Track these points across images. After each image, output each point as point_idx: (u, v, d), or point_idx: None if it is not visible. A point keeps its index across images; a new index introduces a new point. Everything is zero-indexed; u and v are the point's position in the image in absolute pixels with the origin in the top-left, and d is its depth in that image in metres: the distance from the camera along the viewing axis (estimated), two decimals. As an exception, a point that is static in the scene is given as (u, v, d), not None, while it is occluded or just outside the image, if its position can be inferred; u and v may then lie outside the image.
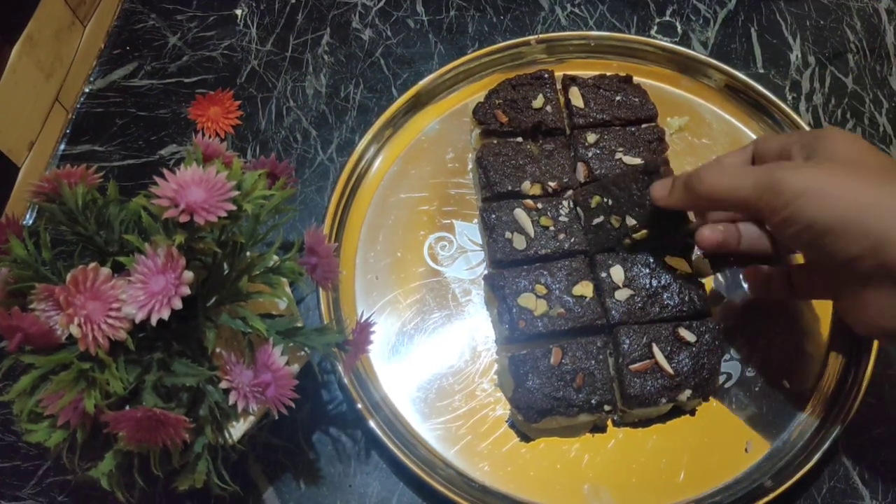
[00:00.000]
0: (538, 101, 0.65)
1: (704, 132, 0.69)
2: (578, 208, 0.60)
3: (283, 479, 0.57)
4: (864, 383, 0.57)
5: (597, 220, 0.59)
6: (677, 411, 0.58)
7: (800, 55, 0.76)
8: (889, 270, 0.43)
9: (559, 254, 0.59)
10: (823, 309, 0.62)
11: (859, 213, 0.42)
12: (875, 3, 0.79)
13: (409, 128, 0.70)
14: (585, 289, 0.57)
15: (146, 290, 0.42)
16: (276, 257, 0.48)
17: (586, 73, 0.69)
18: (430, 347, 0.61)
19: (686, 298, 0.57)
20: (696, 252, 0.59)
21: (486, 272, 0.63)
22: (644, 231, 0.57)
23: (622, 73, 0.68)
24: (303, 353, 0.51)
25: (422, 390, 0.59)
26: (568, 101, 0.66)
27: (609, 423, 0.58)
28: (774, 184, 0.45)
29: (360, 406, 0.57)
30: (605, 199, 0.59)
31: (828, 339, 0.61)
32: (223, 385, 0.46)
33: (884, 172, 0.45)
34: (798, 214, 0.44)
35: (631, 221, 0.57)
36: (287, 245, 0.50)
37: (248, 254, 0.48)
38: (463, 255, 0.65)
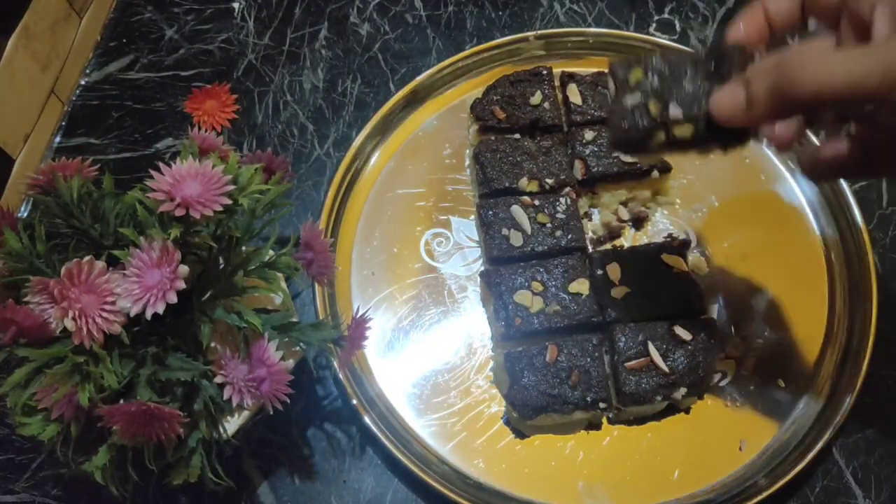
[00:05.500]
0: (536, 98, 0.65)
1: (702, 130, 0.69)
2: (611, 82, 0.47)
3: (277, 474, 0.57)
4: (858, 383, 0.57)
5: (632, 101, 0.44)
6: (672, 409, 0.58)
7: (798, 54, 0.76)
8: None
9: (556, 251, 0.59)
10: (820, 309, 0.62)
11: None
12: (873, 2, 0.79)
13: (407, 123, 0.70)
14: (582, 286, 0.57)
15: (141, 284, 0.41)
16: (271, 252, 0.48)
17: (584, 69, 0.69)
18: (425, 344, 0.61)
19: (682, 297, 0.57)
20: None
21: (482, 269, 0.63)
22: (689, 126, 0.43)
23: (620, 71, 0.68)
24: (298, 348, 0.51)
25: (417, 386, 0.59)
26: (566, 97, 0.66)
27: (604, 420, 0.58)
28: None
29: (354, 402, 0.57)
30: (651, 77, 0.44)
31: (823, 338, 0.61)
32: (218, 380, 0.46)
33: None
34: None
35: (675, 111, 0.43)
36: (283, 240, 0.50)
37: (243, 248, 0.48)
38: (459, 251, 0.65)
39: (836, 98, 0.37)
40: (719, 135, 0.43)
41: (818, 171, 0.49)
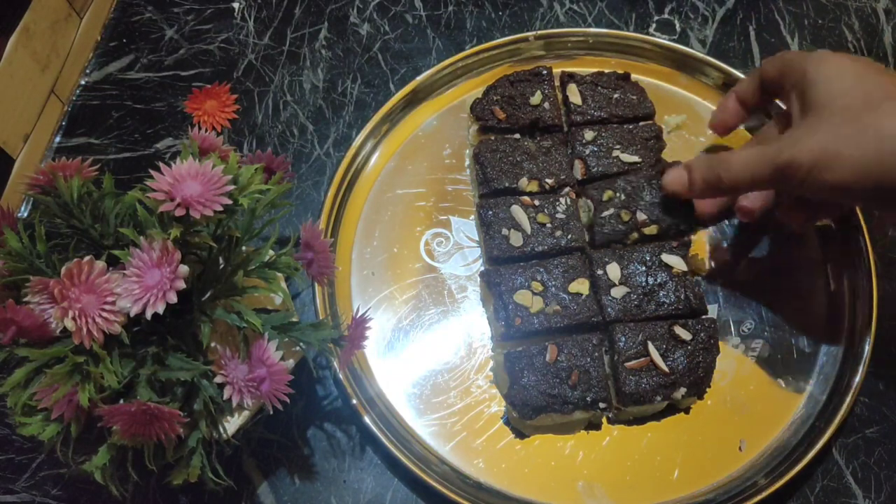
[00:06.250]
0: (536, 98, 0.65)
1: (702, 130, 0.69)
2: (589, 200, 0.61)
3: (277, 473, 0.57)
4: (858, 382, 0.57)
5: (608, 213, 0.60)
6: (672, 409, 0.58)
7: (798, 54, 0.76)
8: None
9: (556, 251, 0.59)
10: (820, 309, 0.62)
11: (868, 169, 0.46)
12: (873, 3, 0.79)
13: (407, 123, 0.70)
14: (582, 286, 0.57)
15: (141, 284, 0.41)
16: (271, 252, 0.48)
17: (584, 69, 0.69)
18: (425, 344, 0.61)
19: (682, 296, 0.57)
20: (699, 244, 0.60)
21: (482, 269, 0.63)
22: (654, 227, 0.59)
23: (620, 71, 0.68)
24: (298, 348, 0.51)
25: (417, 386, 0.59)
26: (566, 97, 0.66)
27: (604, 420, 0.58)
28: (787, 165, 0.48)
29: (354, 402, 0.57)
30: (618, 194, 0.60)
31: (823, 338, 0.61)
32: (218, 380, 0.46)
33: (883, 108, 0.47)
34: (818, 183, 0.47)
35: (641, 217, 0.59)
36: (283, 240, 0.50)
37: (243, 248, 0.48)
38: (459, 251, 0.65)
39: (747, 187, 0.53)
40: (675, 230, 0.59)
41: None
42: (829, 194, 0.49)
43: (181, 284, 0.42)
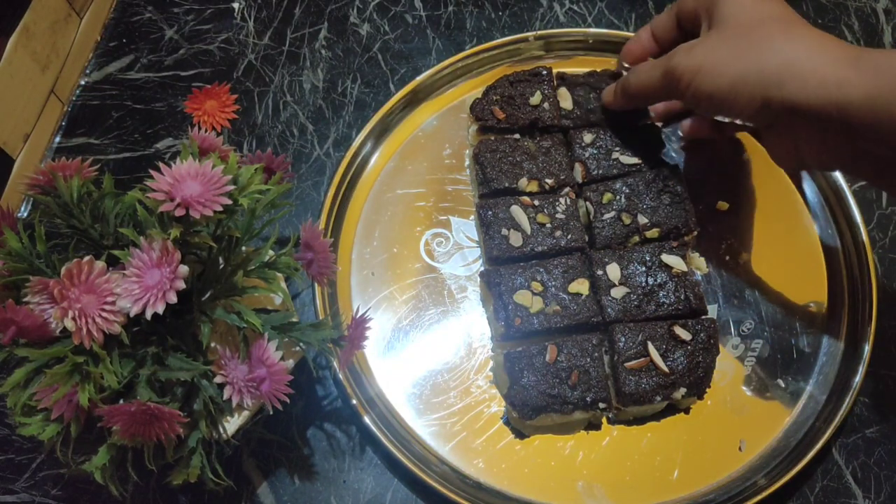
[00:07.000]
0: (536, 98, 0.65)
1: (702, 130, 0.69)
2: (588, 203, 0.61)
3: (277, 473, 0.57)
4: (858, 382, 0.57)
5: (608, 216, 0.60)
6: (672, 409, 0.58)
7: (798, 54, 0.76)
8: (781, 117, 0.49)
9: (556, 251, 0.59)
10: (819, 309, 0.62)
11: (744, 79, 0.48)
12: (873, 3, 0.79)
13: (407, 123, 0.70)
14: (581, 286, 0.57)
15: (141, 284, 0.41)
16: (271, 252, 0.48)
17: (583, 70, 0.69)
18: (425, 344, 0.61)
19: (681, 297, 0.57)
20: (692, 253, 0.60)
21: (482, 269, 0.63)
22: (656, 230, 0.59)
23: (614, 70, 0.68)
24: (298, 348, 0.51)
25: (417, 386, 0.59)
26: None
27: (604, 420, 0.58)
28: (673, 70, 0.52)
29: (354, 402, 0.57)
30: (618, 197, 0.61)
31: (823, 338, 0.61)
32: (218, 380, 0.46)
33: (772, 25, 0.49)
34: (699, 90, 0.51)
35: (643, 220, 0.60)
36: (283, 240, 0.50)
37: (243, 248, 0.48)
38: (459, 251, 0.65)
39: (648, 92, 0.57)
40: (676, 232, 0.60)
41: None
42: (708, 104, 0.51)
43: (181, 284, 0.42)
